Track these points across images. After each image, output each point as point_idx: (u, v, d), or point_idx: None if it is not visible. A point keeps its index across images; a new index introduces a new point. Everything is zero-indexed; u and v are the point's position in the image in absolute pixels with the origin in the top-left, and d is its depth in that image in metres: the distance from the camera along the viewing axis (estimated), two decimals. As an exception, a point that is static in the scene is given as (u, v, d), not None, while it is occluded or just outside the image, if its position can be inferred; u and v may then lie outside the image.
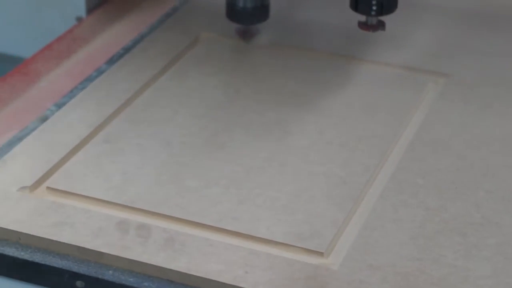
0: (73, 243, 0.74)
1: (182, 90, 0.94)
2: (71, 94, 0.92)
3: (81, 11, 1.05)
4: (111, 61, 0.98)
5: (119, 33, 1.04)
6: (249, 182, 0.82)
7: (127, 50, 1.00)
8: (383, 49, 1.01)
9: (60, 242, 0.74)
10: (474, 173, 0.83)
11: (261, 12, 0.96)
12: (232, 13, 0.96)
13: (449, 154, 0.85)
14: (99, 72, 0.96)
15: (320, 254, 0.74)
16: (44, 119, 0.88)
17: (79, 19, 1.05)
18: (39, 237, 0.75)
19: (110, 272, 0.73)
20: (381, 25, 0.92)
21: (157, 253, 0.74)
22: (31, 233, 0.75)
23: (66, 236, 0.75)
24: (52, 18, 1.08)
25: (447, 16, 1.08)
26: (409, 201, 0.79)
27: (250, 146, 0.86)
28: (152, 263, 0.73)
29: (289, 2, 1.08)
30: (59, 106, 0.90)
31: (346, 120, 0.90)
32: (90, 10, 1.06)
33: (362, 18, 0.92)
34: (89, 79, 0.95)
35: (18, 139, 0.85)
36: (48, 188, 0.80)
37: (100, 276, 0.73)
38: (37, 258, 0.74)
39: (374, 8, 0.89)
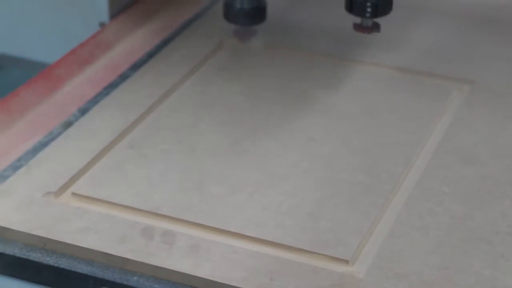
0: (98, 249, 0.74)
1: (205, 96, 0.94)
2: (95, 99, 0.93)
3: (104, 16, 1.05)
4: (135, 66, 0.98)
5: (142, 38, 1.04)
6: (273, 189, 0.81)
7: (150, 55, 1.00)
8: (403, 54, 1.01)
9: (85, 248, 0.74)
10: (500, 181, 0.82)
11: (258, 13, 0.96)
12: (229, 14, 0.96)
13: (475, 162, 0.85)
14: (123, 77, 0.96)
15: (345, 262, 0.74)
16: (68, 124, 0.89)
17: (102, 25, 1.05)
18: (65, 242, 0.75)
19: (135, 278, 0.73)
20: (376, 27, 0.92)
21: (182, 260, 0.74)
22: (57, 239, 0.75)
23: (91, 242, 0.75)
24: (75, 24, 1.08)
25: (458, 21, 1.08)
26: (435, 209, 0.79)
27: (274, 153, 0.86)
28: (176, 269, 0.73)
29: (286, 3, 1.09)
30: (83, 111, 0.91)
31: (369, 127, 0.90)
32: (113, 15, 1.06)
33: (358, 20, 0.93)
34: (113, 85, 0.95)
35: (43, 145, 0.86)
36: (73, 194, 0.80)
37: (125, 282, 0.73)
38: (63, 263, 0.74)
39: (369, 10, 0.90)
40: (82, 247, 0.74)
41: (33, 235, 0.75)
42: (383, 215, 0.79)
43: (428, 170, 0.84)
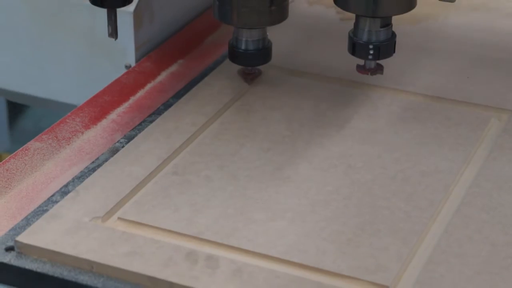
0: (144, 272, 0.76)
1: (247, 124, 0.96)
2: (140, 127, 0.95)
3: (131, 59, 1.07)
4: (178, 95, 1.00)
5: (181, 70, 1.06)
6: (314, 215, 0.83)
7: (193, 84, 1.02)
8: (441, 84, 1.02)
9: (131, 271, 0.76)
10: (539, 209, 0.83)
11: (263, 54, 0.98)
12: (234, 56, 0.98)
13: (513, 190, 0.86)
14: (167, 105, 0.98)
15: (385, 287, 0.75)
16: (114, 151, 0.91)
17: (128, 67, 1.07)
18: (111, 266, 0.77)
19: (180, 301, 0.75)
20: (379, 69, 0.93)
21: (226, 284, 0.75)
22: (103, 262, 0.77)
23: (136, 265, 0.77)
24: (102, 66, 1.09)
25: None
26: (474, 237, 0.80)
27: (314, 180, 0.88)
28: (221, 293, 0.74)
29: (291, 42, 1.09)
30: (128, 138, 0.93)
31: (409, 155, 0.91)
32: (139, 58, 1.07)
33: (361, 61, 0.94)
34: (157, 112, 0.97)
35: (90, 170, 0.88)
36: (119, 218, 0.82)
37: (170, 306, 0.74)
38: (110, 286, 0.76)
39: (371, 52, 0.91)
40: (128, 271, 0.76)
41: (81, 259, 0.77)
42: (422, 242, 0.80)
43: (467, 198, 0.85)
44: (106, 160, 0.89)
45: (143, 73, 1.05)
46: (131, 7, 1.04)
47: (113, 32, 0.94)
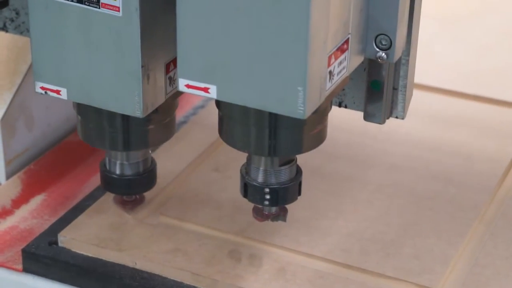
0: (187, 269, 0.76)
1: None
2: (180, 121, 0.95)
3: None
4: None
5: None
6: (357, 215, 0.82)
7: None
8: (482, 83, 1.01)
9: (174, 268, 0.76)
10: None
11: (144, 179, 0.77)
12: (107, 181, 0.76)
13: (559, 193, 0.85)
14: (204, 101, 0.98)
15: (432, 290, 0.74)
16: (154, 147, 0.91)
17: None
18: (154, 262, 0.76)
19: (223, 299, 0.74)
20: (282, 214, 0.73)
21: (269, 283, 0.75)
22: (147, 259, 0.77)
23: (179, 262, 0.77)
24: None
25: None
26: (520, 239, 0.79)
27: (356, 179, 0.87)
28: (265, 292, 0.74)
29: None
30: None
31: (452, 155, 0.90)
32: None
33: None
34: (198, 106, 0.97)
35: (131, 166, 0.88)
36: (161, 215, 0.82)
37: (213, 303, 0.74)
38: (153, 283, 0.75)
39: (268, 197, 0.71)
40: (172, 267, 0.76)
41: (124, 254, 0.77)
42: (468, 243, 0.79)
43: (512, 200, 0.84)
44: (147, 155, 0.89)
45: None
46: None
47: None
